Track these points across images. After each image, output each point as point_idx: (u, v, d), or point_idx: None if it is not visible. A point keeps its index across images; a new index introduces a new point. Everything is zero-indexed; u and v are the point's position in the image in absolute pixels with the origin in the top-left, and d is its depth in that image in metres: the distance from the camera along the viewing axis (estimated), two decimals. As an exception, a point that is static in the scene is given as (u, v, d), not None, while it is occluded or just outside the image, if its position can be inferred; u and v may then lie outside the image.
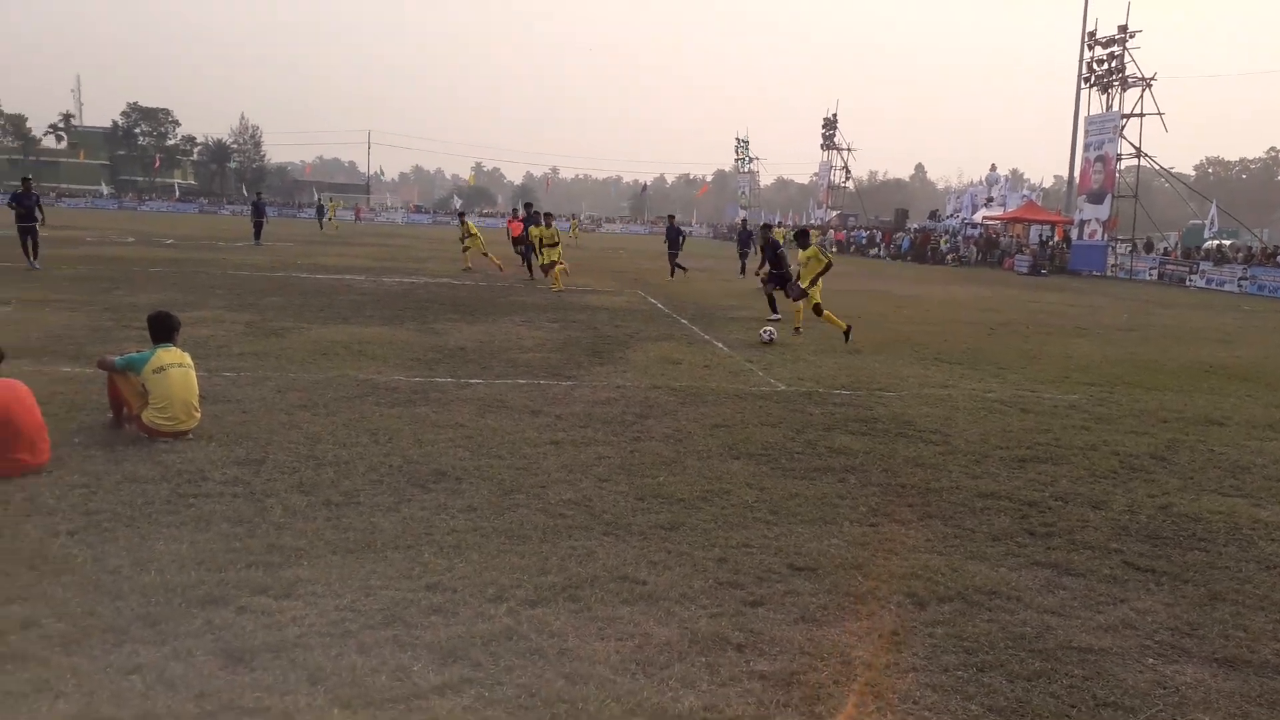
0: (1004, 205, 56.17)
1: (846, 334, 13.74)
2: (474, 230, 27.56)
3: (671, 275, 25.92)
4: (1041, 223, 51.60)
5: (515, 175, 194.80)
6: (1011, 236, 51.52)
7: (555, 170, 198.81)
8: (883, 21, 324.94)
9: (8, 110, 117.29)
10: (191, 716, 3.22)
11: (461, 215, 31.31)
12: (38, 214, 19.80)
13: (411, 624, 3.99)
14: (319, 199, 73.91)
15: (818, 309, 14.15)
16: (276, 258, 27.51)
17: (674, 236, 26.82)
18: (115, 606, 3.99)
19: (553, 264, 20.99)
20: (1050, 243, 48.30)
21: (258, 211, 36.11)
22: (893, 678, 3.75)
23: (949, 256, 50.11)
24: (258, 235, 34.71)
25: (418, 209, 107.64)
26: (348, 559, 4.69)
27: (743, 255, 30.76)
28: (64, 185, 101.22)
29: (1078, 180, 46.65)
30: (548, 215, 22.58)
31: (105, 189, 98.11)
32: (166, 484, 5.73)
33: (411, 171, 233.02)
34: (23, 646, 3.61)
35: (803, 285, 14.40)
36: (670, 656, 3.82)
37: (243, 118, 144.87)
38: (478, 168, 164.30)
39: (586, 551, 4.96)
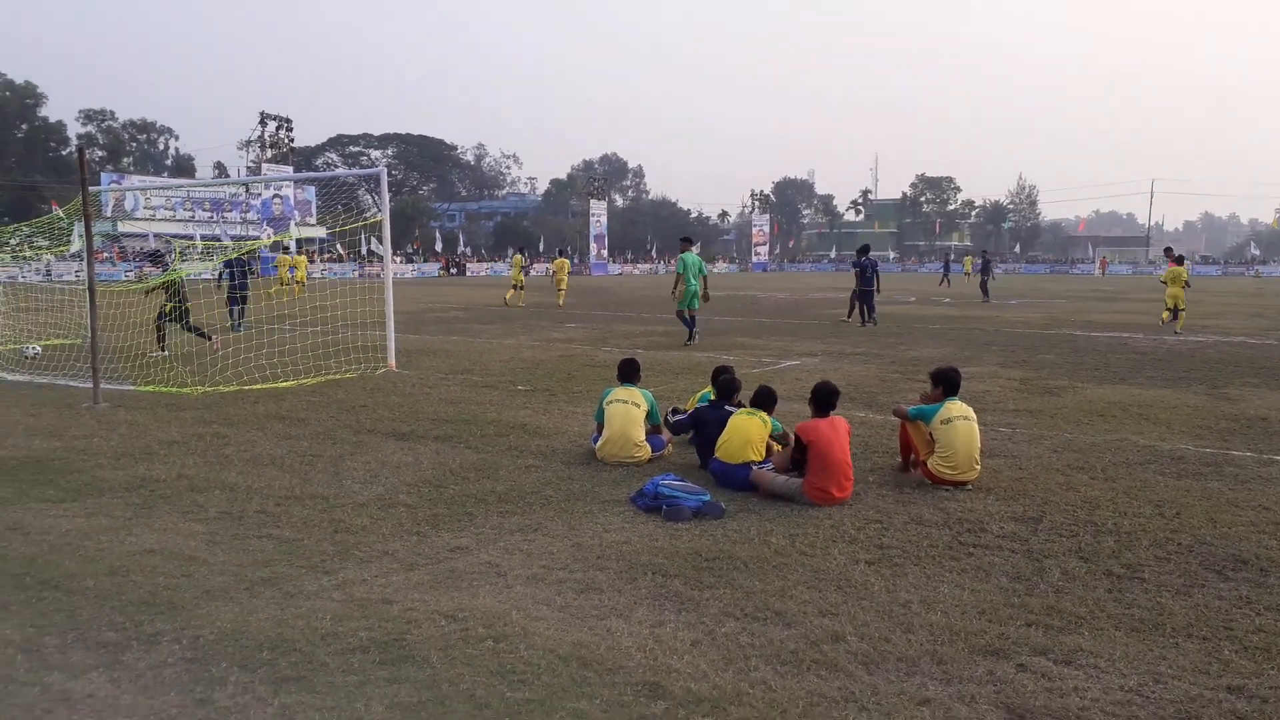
0: None
1: None
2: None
3: None
4: None
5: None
6: None
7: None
8: None
9: (820, 191, 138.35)
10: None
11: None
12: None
13: (1209, 726, 3.58)
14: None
15: None
16: (1050, 314, 27.28)
17: None
18: (907, 638, 4.35)
19: None
20: None
21: (985, 270, 36.62)
22: None
23: None
24: (984, 292, 34.87)
25: (1203, 259, 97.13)
26: (1132, 638, 4.40)
27: None
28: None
29: None
30: None
31: (892, 254, 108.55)
32: (948, 530, 6.07)
33: (1199, 220, 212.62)
34: (833, 657, 4.15)
35: None
36: None
37: (1020, 178, 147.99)
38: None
39: None
